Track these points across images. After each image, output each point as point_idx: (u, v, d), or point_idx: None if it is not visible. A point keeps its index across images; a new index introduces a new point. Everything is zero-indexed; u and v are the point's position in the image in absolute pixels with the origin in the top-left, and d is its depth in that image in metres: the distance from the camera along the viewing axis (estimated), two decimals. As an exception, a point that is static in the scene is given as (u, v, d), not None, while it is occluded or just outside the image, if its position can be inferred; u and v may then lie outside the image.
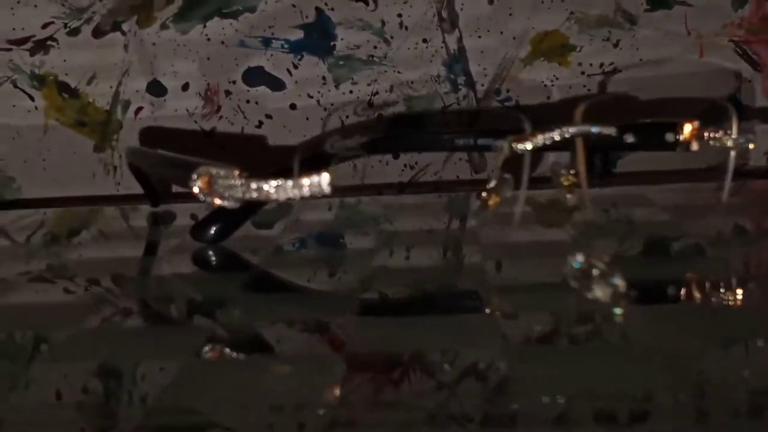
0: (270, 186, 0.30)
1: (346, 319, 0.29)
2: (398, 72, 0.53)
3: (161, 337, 0.29)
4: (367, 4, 0.53)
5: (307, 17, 0.53)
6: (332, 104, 0.53)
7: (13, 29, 0.51)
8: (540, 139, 0.33)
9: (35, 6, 0.51)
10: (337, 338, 0.27)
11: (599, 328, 0.27)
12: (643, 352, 0.25)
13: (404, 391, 0.23)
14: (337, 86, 0.53)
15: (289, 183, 0.30)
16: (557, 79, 0.53)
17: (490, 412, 0.22)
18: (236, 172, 0.30)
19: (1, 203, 0.52)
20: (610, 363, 0.24)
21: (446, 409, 0.22)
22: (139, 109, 0.53)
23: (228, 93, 0.53)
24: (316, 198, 0.30)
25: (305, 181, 0.29)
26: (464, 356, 0.25)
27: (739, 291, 0.30)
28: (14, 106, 0.52)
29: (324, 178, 0.29)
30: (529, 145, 0.33)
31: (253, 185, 0.30)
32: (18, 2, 0.51)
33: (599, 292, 0.28)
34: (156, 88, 0.53)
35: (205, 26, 0.52)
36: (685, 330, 0.26)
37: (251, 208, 0.32)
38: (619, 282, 0.28)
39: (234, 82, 0.53)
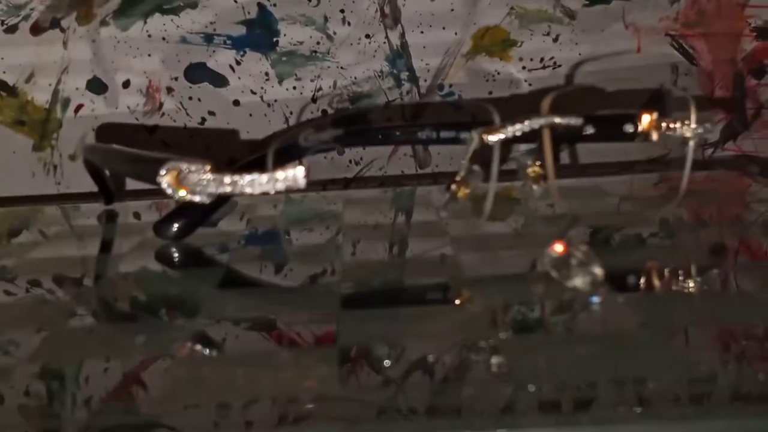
0: (244, 180, 0.30)
1: (296, 314, 0.29)
2: (341, 68, 0.53)
3: (107, 336, 0.28)
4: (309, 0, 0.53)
5: (249, 13, 0.52)
6: (275, 100, 0.53)
7: (-51, 26, 0.51)
8: (509, 130, 0.33)
9: (-29, 2, 0.50)
10: (284, 334, 0.27)
11: (549, 318, 0.27)
12: (589, 340, 0.25)
13: (352, 385, 0.24)
14: (280, 82, 0.53)
15: (264, 177, 0.29)
16: (498, 74, 0.54)
17: (436, 404, 0.22)
18: (207, 167, 0.30)
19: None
20: (558, 351, 0.25)
21: (394, 402, 0.22)
22: (80, 106, 0.52)
23: (170, 90, 0.52)
24: (288, 192, 0.30)
25: (280, 175, 0.29)
26: (412, 350, 0.25)
27: (681, 279, 0.30)
28: (-50, 105, 0.51)
29: (299, 172, 0.29)
30: (499, 137, 0.33)
31: (227, 179, 0.30)
32: (-47, -1, 0.50)
33: (578, 281, 0.28)
34: (96, 86, 0.52)
35: (146, 22, 0.52)
36: (629, 318, 0.27)
37: (214, 204, 0.32)
38: (597, 270, 0.28)
39: (176, 79, 0.52)
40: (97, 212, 0.46)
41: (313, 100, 0.53)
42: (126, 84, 0.52)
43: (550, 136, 0.34)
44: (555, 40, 0.54)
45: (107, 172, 0.44)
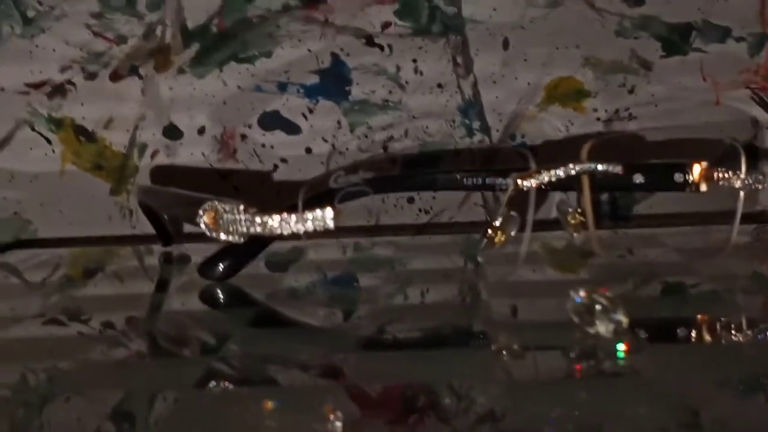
0: (274, 220, 0.30)
1: (353, 356, 0.28)
2: (413, 117, 0.53)
3: (171, 374, 0.28)
4: (382, 49, 0.53)
5: (322, 63, 0.53)
6: (347, 148, 0.53)
7: (31, 73, 0.52)
8: (544, 176, 0.33)
9: (53, 50, 0.52)
10: (343, 376, 0.27)
11: (606, 365, 0.27)
12: (649, 389, 0.25)
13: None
14: (352, 131, 0.53)
15: (293, 217, 0.30)
16: (572, 124, 0.53)
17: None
18: (241, 207, 0.30)
19: (17, 243, 0.53)
20: (615, 400, 0.24)
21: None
22: (155, 152, 0.53)
23: (243, 137, 0.53)
24: (320, 232, 0.30)
25: (309, 216, 0.29)
26: (476, 401, 0.25)
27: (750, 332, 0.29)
28: (31, 149, 0.53)
29: (328, 213, 0.29)
30: (533, 182, 0.33)
31: (258, 220, 0.30)
32: (36, 46, 0.52)
33: (602, 328, 0.28)
34: (172, 132, 0.53)
35: (221, 71, 0.53)
36: (693, 369, 0.26)
37: (258, 245, 0.32)
38: (622, 318, 0.27)
39: (249, 126, 0.53)
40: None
41: (384, 148, 0.53)
42: (201, 130, 0.53)
43: (592, 184, 0.34)
44: (631, 91, 0.53)
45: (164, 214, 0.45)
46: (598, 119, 0.53)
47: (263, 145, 0.53)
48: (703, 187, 0.34)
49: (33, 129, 0.52)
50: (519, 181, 0.33)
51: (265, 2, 0.52)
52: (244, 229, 0.30)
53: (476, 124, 0.53)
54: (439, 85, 0.53)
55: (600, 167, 0.34)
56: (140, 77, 0.53)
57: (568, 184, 0.34)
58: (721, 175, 0.34)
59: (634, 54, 0.53)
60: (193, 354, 0.31)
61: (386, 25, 0.53)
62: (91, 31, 0.52)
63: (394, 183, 0.38)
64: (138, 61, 0.52)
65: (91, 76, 0.52)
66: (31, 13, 0.52)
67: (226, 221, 0.30)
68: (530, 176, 0.33)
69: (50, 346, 0.32)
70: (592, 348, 0.28)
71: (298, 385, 0.27)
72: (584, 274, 0.39)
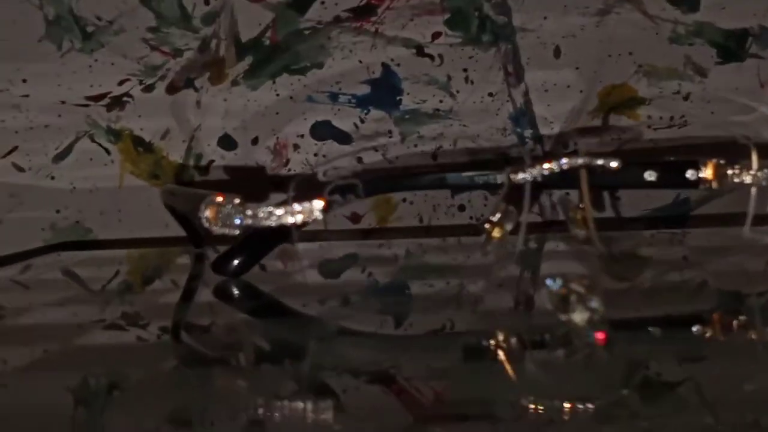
0: (263, 212, 0.31)
1: (405, 363, 0.28)
2: (464, 125, 0.54)
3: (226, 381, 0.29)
4: (432, 59, 0.53)
5: (373, 73, 0.53)
6: (397, 157, 0.54)
7: (91, 86, 0.54)
8: (538, 169, 0.33)
9: (112, 64, 0.53)
10: (395, 383, 0.27)
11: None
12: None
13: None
14: (402, 140, 0.54)
15: (281, 209, 0.30)
16: (624, 132, 0.53)
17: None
18: (236, 200, 0.31)
19: (75, 243, 0.54)
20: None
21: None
22: (211, 162, 0.54)
23: (296, 147, 0.54)
24: (307, 224, 0.30)
25: (297, 207, 0.30)
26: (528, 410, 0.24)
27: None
28: (91, 159, 0.54)
29: (316, 204, 0.30)
30: (527, 177, 0.33)
31: (249, 212, 0.31)
32: (95, 60, 0.53)
33: (577, 316, 0.27)
34: (227, 142, 0.54)
35: (274, 82, 0.54)
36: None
37: (271, 241, 0.33)
38: (598, 307, 0.27)
39: (302, 136, 0.54)
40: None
41: (434, 157, 0.53)
42: (255, 141, 0.54)
43: (588, 179, 0.33)
44: (686, 98, 0.53)
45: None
46: (649, 127, 0.53)
47: (315, 155, 0.54)
48: (716, 185, 0.33)
49: (93, 140, 0.54)
50: (512, 176, 0.33)
51: (316, 14, 0.53)
52: (237, 222, 0.31)
53: (528, 133, 0.53)
54: (490, 94, 0.53)
55: (598, 161, 0.33)
56: (196, 89, 0.54)
57: (571, 180, 0.34)
58: (733, 171, 0.33)
59: (689, 60, 0.53)
60: (248, 361, 0.31)
61: (436, 35, 0.53)
62: (148, 44, 0.53)
63: (385, 179, 0.38)
64: (193, 73, 0.54)
65: (149, 89, 0.54)
66: (90, 29, 0.53)
67: (223, 215, 0.31)
68: (523, 170, 0.33)
69: (110, 351, 0.33)
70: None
71: (350, 392, 0.27)
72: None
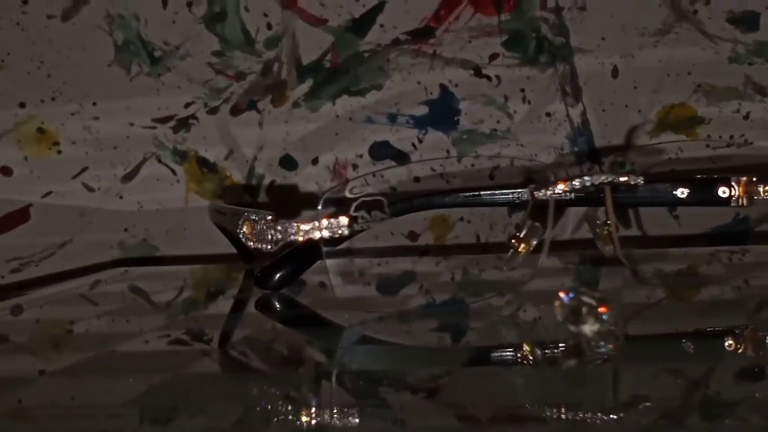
0: (292, 227, 0.32)
1: (461, 376, 0.29)
2: (521, 145, 0.54)
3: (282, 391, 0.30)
4: (490, 80, 0.54)
5: (431, 94, 0.54)
6: (455, 177, 0.54)
7: (158, 109, 0.55)
8: (561, 187, 0.33)
9: (178, 87, 0.55)
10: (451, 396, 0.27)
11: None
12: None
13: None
14: (459, 160, 0.54)
15: (308, 225, 0.31)
16: (682, 151, 0.53)
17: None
18: (269, 217, 0.32)
19: (140, 259, 0.56)
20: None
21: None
22: (272, 183, 0.56)
23: (355, 166, 0.55)
24: (336, 237, 0.31)
25: (324, 223, 0.31)
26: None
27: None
28: (158, 179, 0.56)
29: (342, 221, 0.31)
30: (549, 194, 0.33)
31: (279, 227, 0.32)
32: (163, 84, 0.55)
33: (587, 327, 0.28)
34: (288, 162, 0.55)
35: (334, 104, 0.55)
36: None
37: (312, 255, 0.34)
38: (610, 318, 0.28)
39: (361, 156, 0.55)
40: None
41: (491, 177, 0.54)
42: (315, 161, 0.55)
43: (612, 196, 0.34)
44: (746, 117, 0.52)
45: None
46: (708, 146, 0.52)
47: (374, 175, 0.55)
48: (746, 202, 0.33)
49: (159, 161, 0.56)
50: (536, 193, 0.34)
51: (375, 37, 0.54)
52: (269, 237, 0.32)
53: (585, 153, 0.54)
54: (548, 114, 0.54)
55: (621, 179, 0.34)
56: (258, 111, 0.55)
57: (595, 197, 0.35)
58: (764, 189, 0.33)
59: (749, 80, 0.52)
60: (306, 372, 0.32)
61: (494, 57, 0.54)
62: (213, 68, 0.55)
63: (410, 198, 0.39)
64: (256, 96, 0.55)
65: (213, 111, 0.55)
66: (158, 53, 0.55)
67: (257, 231, 0.32)
68: (546, 187, 0.34)
69: (174, 362, 0.33)
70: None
71: (407, 405, 0.27)
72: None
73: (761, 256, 0.49)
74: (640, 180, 0.35)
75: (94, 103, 0.56)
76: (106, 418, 0.26)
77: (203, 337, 0.38)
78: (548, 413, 0.25)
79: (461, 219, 0.54)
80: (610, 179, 0.34)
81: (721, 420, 0.24)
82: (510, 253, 0.36)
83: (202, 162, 0.56)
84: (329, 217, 0.32)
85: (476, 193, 0.38)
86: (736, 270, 0.46)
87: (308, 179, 0.55)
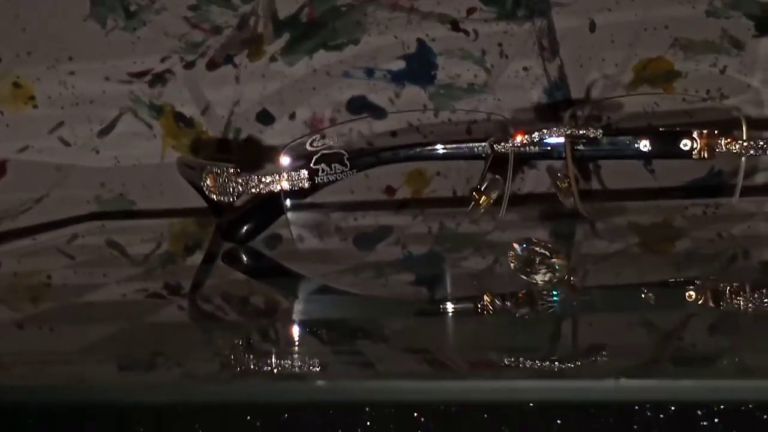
0: (254, 180, 0.32)
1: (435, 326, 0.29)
2: (498, 99, 0.54)
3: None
4: (467, 34, 0.54)
5: (408, 48, 0.54)
6: (431, 132, 0.54)
7: (134, 63, 0.55)
8: (521, 140, 0.34)
9: (154, 42, 0.55)
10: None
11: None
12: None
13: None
14: (436, 114, 0.54)
15: (269, 177, 0.32)
16: (657, 105, 0.53)
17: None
18: (231, 170, 0.32)
19: (117, 213, 0.56)
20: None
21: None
22: (249, 137, 0.56)
23: (332, 121, 0.55)
24: (297, 190, 0.31)
25: (285, 175, 0.31)
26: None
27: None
28: (134, 134, 0.56)
29: (302, 173, 0.31)
30: (509, 147, 0.33)
31: (240, 180, 0.32)
32: (138, 38, 0.55)
33: (539, 277, 0.28)
34: (264, 118, 0.55)
35: (311, 58, 0.55)
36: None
37: (277, 208, 0.34)
38: (560, 267, 0.28)
39: (339, 111, 0.55)
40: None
41: (468, 131, 0.54)
42: (292, 116, 0.55)
43: (572, 149, 0.34)
44: (722, 71, 0.52)
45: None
46: (684, 100, 0.52)
47: (350, 130, 0.55)
48: (708, 155, 0.34)
49: (136, 116, 0.56)
50: (495, 146, 0.34)
51: (352, -9, 0.54)
52: (231, 189, 0.32)
53: (562, 107, 0.54)
54: (525, 68, 0.54)
55: (580, 132, 0.34)
56: (235, 66, 0.55)
57: (558, 151, 0.35)
58: (724, 142, 0.33)
59: (725, 34, 0.52)
60: (277, 318, 0.32)
61: (471, 11, 0.54)
62: (189, 23, 0.55)
63: (371, 152, 0.39)
64: (232, 50, 0.55)
65: (189, 66, 0.55)
66: (133, 8, 0.55)
67: (219, 183, 0.32)
68: (506, 140, 0.34)
69: (148, 311, 0.34)
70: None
71: (374, 351, 0.27)
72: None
73: (734, 209, 0.49)
74: (599, 133, 0.35)
75: (70, 58, 0.55)
76: (83, 366, 0.26)
77: (178, 289, 0.38)
78: (507, 360, 0.25)
79: (438, 173, 0.54)
80: (569, 132, 0.34)
81: (679, 364, 0.24)
82: (471, 205, 0.36)
83: (179, 117, 0.56)
84: (290, 170, 0.32)
85: (437, 146, 0.38)
86: (709, 222, 0.46)
87: (285, 134, 0.55)
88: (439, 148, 0.38)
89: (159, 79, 0.55)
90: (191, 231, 0.54)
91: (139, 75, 0.55)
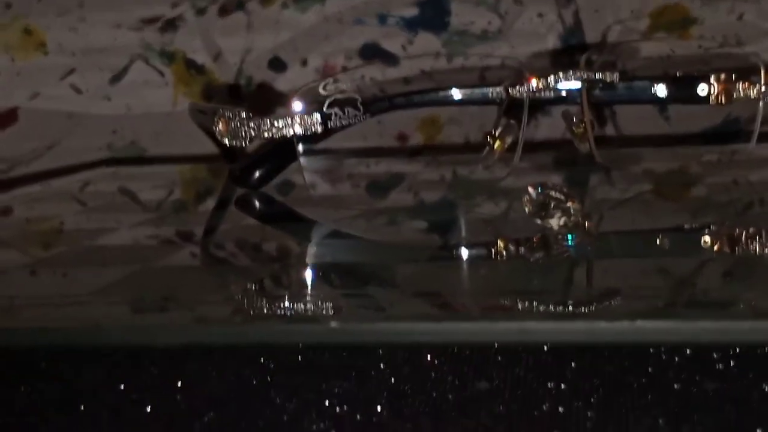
0: (265, 123, 0.32)
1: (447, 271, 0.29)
2: (512, 47, 0.53)
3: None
4: (481, -21, 0.53)
5: (421, -6, 0.54)
6: (445, 78, 0.54)
7: (145, 9, 0.55)
8: (535, 83, 0.33)
9: (165, -13, 0.55)
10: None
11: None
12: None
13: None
14: (449, 61, 0.54)
15: (282, 121, 0.31)
16: (674, 52, 0.52)
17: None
18: (243, 114, 0.32)
19: (130, 159, 0.56)
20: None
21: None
22: (261, 84, 0.55)
23: (345, 68, 0.55)
24: (309, 134, 0.31)
25: (297, 119, 0.31)
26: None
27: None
28: (146, 81, 0.56)
29: (315, 117, 0.31)
30: (524, 91, 0.33)
31: (252, 123, 0.32)
32: (149, -16, 0.55)
33: (554, 221, 0.28)
34: (277, 64, 0.55)
35: (323, 5, 0.54)
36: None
37: (290, 153, 0.34)
38: (575, 212, 0.28)
39: (351, 58, 0.54)
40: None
41: (482, 77, 0.53)
42: (304, 62, 0.55)
43: (588, 94, 0.33)
44: (739, 18, 0.52)
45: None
46: (700, 47, 0.52)
47: (363, 77, 0.54)
48: (725, 100, 0.33)
49: (147, 63, 0.55)
50: (510, 90, 0.34)
51: (364, -65, 0.53)
52: (243, 133, 0.32)
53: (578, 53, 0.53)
54: (540, 15, 0.53)
55: (596, 76, 0.33)
56: (246, 12, 0.55)
57: (573, 96, 0.34)
58: (742, 87, 0.33)
59: (744, -21, 0.52)
60: (290, 262, 0.32)
61: (485, -45, 0.53)
62: (201, -32, 0.54)
63: (385, 97, 0.38)
64: (245, -5, 0.55)
65: (201, 12, 0.55)
66: (144, -47, 0.54)
67: (232, 128, 0.32)
68: (520, 84, 0.34)
69: (161, 256, 0.33)
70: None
71: (386, 295, 0.27)
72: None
73: (751, 155, 0.49)
74: (616, 77, 0.34)
75: (81, 4, 0.55)
76: (95, 308, 0.26)
77: (190, 235, 0.38)
78: (515, 301, 0.25)
79: (451, 120, 0.54)
80: (584, 76, 0.34)
81: (693, 306, 0.24)
82: (485, 150, 0.35)
83: (190, 63, 0.55)
84: (303, 114, 0.32)
85: (451, 91, 0.37)
86: (725, 169, 0.46)
87: (297, 81, 0.55)
88: (454, 93, 0.37)
89: (170, 25, 0.55)
90: (203, 177, 0.54)
91: (150, 21, 0.55)
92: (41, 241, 0.38)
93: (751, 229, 0.30)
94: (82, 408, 0.23)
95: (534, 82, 0.34)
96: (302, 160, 0.33)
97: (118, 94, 0.56)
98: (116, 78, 0.56)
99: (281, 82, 0.55)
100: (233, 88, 0.55)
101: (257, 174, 0.38)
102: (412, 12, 0.54)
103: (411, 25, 0.54)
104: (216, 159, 0.51)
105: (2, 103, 0.56)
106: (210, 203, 0.47)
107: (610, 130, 0.51)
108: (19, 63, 0.56)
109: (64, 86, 0.56)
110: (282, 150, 0.36)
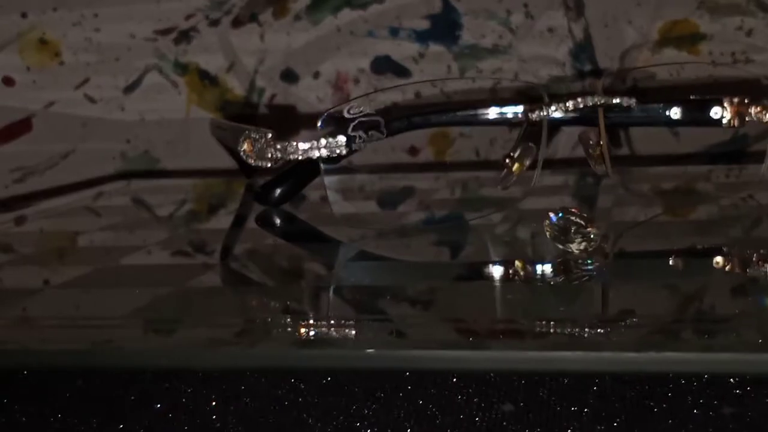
0: (291, 146, 0.32)
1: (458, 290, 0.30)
2: (523, 61, 0.54)
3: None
4: (493, -6, 0.54)
5: (433, 8, 0.54)
6: (455, 92, 0.54)
7: (159, 20, 0.55)
8: (555, 108, 0.34)
9: (179, -1, 0.55)
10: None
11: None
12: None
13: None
14: (461, 75, 0.54)
15: (306, 144, 0.32)
16: (683, 68, 0.53)
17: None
18: (269, 135, 0.33)
19: (144, 172, 0.57)
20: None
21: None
22: (273, 96, 0.56)
23: (356, 81, 0.55)
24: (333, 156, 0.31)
25: (323, 142, 0.32)
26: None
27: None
28: (159, 91, 0.56)
29: (340, 140, 0.31)
30: (542, 115, 0.34)
31: (278, 146, 0.32)
32: (164, -5, 0.55)
33: (574, 246, 0.29)
34: (289, 76, 0.55)
35: (335, 17, 0.55)
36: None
37: (312, 171, 0.34)
38: (595, 236, 0.28)
39: (362, 71, 0.55)
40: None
41: (492, 92, 0.54)
42: (316, 74, 0.55)
43: (604, 117, 0.34)
44: (748, 34, 0.52)
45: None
46: (712, 62, 0.52)
47: (375, 90, 0.55)
48: (738, 123, 0.34)
49: (161, 73, 0.56)
50: (529, 114, 0.34)
51: (377, -51, 0.54)
52: (268, 155, 0.33)
53: (587, 68, 0.54)
54: (550, 29, 0.54)
55: (614, 100, 0.34)
56: (259, 24, 0.55)
57: (589, 118, 0.35)
58: (756, 111, 0.34)
59: (753, -4, 0.52)
60: (307, 284, 0.32)
61: (497, -30, 0.53)
62: (215, -20, 0.55)
63: (407, 117, 0.39)
64: (257, 8, 0.55)
65: (214, 23, 0.55)
66: (158, -36, 0.55)
67: (257, 149, 0.33)
68: (539, 109, 0.34)
69: (177, 274, 0.34)
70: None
71: (405, 318, 0.28)
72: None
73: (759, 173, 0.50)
74: (633, 102, 0.35)
75: (96, 14, 0.55)
76: (110, 329, 0.27)
77: (205, 250, 0.38)
78: (539, 327, 0.25)
79: (461, 134, 0.55)
80: (603, 101, 0.34)
81: (712, 334, 0.25)
82: (504, 172, 0.36)
83: (203, 74, 0.56)
84: (327, 136, 0.32)
85: (473, 111, 0.38)
86: (733, 187, 0.47)
87: (309, 92, 0.55)
88: (474, 114, 0.38)
89: (184, 36, 0.55)
90: (219, 191, 0.54)
91: (165, 32, 0.55)
92: (56, 257, 0.38)
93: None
94: (121, 427, 0.23)
95: (553, 107, 0.34)
96: (326, 179, 0.34)
97: (132, 103, 0.56)
98: (130, 87, 0.56)
99: (294, 94, 0.55)
100: (249, 100, 0.56)
101: (278, 191, 0.39)
102: (423, 25, 0.54)
103: (422, 38, 0.54)
104: (232, 173, 0.51)
105: (17, 111, 0.56)
106: (224, 217, 0.47)
107: (624, 149, 0.52)
108: (34, 72, 0.56)
109: (78, 95, 0.56)
110: (303, 168, 0.36)
